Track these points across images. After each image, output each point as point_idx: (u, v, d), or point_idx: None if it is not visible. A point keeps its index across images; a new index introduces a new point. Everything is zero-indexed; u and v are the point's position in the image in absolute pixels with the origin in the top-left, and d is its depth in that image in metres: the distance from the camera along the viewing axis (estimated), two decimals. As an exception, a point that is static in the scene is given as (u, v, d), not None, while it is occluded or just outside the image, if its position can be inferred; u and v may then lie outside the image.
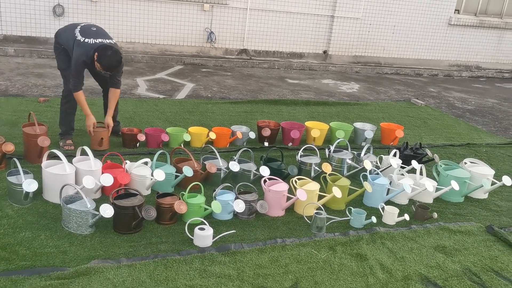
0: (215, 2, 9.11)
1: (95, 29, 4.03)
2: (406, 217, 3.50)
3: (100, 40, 3.92)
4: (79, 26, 4.01)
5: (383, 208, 3.59)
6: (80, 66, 3.92)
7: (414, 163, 4.04)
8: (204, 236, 2.95)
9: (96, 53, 3.81)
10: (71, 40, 3.93)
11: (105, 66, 3.83)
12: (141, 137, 4.23)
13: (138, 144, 4.23)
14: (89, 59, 3.87)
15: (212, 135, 4.54)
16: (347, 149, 4.47)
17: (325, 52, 10.32)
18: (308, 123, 5.12)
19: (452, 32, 11.25)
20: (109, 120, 4.25)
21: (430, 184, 3.73)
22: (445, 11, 10.97)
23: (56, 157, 3.40)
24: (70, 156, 3.70)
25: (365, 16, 10.32)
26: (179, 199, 3.25)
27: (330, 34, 10.14)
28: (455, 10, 11.17)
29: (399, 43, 10.90)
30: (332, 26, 10.08)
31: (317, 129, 4.88)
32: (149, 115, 5.41)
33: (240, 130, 4.77)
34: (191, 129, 4.64)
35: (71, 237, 2.89)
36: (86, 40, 3.88)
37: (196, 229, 2.97)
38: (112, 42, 4.00)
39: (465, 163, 4.37)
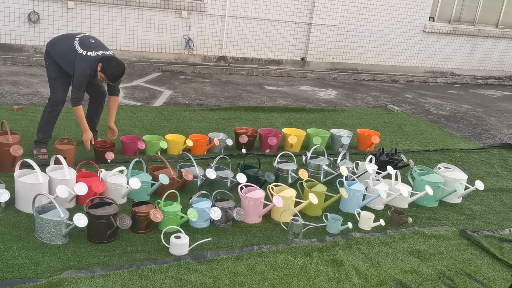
0: (193, 9, 9.11)
1: (93, 41, 4.06)
2: (382, 222, 3.54)
3: (101, 52, 3.97)
4: (77, 38, 4.01)
5: (359, 214, 3.63)
6: (85, 79, 3.96)
7: (390, 169, 4.10)
8: (180, 245, 2.94)
9: (100, 64, 3.89)
10: (70, 52, 3.93)
11: (110, 76, 3.92)
12: (110, 156, 4.08)
13: (109, 161, 4.13)
14: (93, 71, 3.93)
15: (189, 143, 4.53)
16: (323, 155, 4.51)
17: (303, 59, 10.40)
18: (285, 130, 5.14)
19: (427, 39, 11.46)
20: (112, 125, 4.39)
21: (405, 189, 3.78)
22: (419, 19, 11.17)
23: (29, 166, 3.34)
24: (44, 165, 3.65)
25: (342, 23, 10.45)
26: (155, 207, 3.23)
27: (308, 41, 10.23)
28: (430, 17, 11.39)
29: (376, 50, 11.05)
30: (309, 33, 10.17)
31: (294, 136, 4.91)
32: (126, 122, 5.36)
33: (217, 137, 4.77)
34: (168, 136, 4.62)
35: (44, 248, 2.84)
36: (89, 53, 3.92)
37: (172, 238, 2.95)
38: (111, 53, 4.05)
39: (439, 168, 4.45)
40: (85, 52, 3.92)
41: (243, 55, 9.88)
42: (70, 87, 4.07)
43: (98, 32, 8.48)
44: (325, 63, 10.55)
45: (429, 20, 11.37)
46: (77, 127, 4.97)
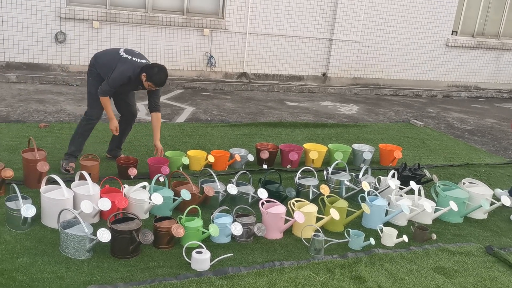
0: (215, 27, 9.25)
1: (137, 52, 4.27)
2: (405, 238, 3.49)
3: (145, 61, 4.17)
4: (122, 48, 4.22)
5: (381, 230, 3.58)
6: (122, 80, 4.06)
7: (413, 184, 4.04)
8: (202, 260, 2.95)
9: (144, 74, 4.03)
10: (114, 60, 4.10)
11: (156, 82, 4.05)
12: (133, 172, 4.09)
13: (132, 177, 4.14)
14: (134, 76, 4.06)
15: (211, 158, 4.56)
16: (345, 170, 4.48)
17: (324, 74, 10.41)
18: (306, 145, 5.14)
19: (450, 53, 11.35)
20: (158, 143, 4.43)
21: (428, 205, 3.72)
22: (442, 33, 11.09)
23: (55, 182, 3.42)
24: (69, 181, 3.72)
25: (363, 38, 10.44)
26: (177, 222, 3.25)
27: (329, 56, 10.25)
28: (453, 31, 11.30)
29: (398, 64, 10.99)
30: (330, 49, 10.19)
31: (315, 151, 4.90)
32: (149, 139, 5.43)
33: (238, 153, 4.79)
34: (189, 152, 4.67)
35: (68, 262, 2.89)
36: (134, 58, 4.11)
37: (194, 253, 2.97)
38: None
39: (464, 183, 4.37)
40: (130, 57, 4.11)
41: (264, 72, 9.95)
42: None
43: (122, 51, 8.67)
44: (346, 78, 10.53)
45: (452, 34, 11.28)
46: (101, 144, 5.07)
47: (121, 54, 4.13)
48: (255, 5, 9.46)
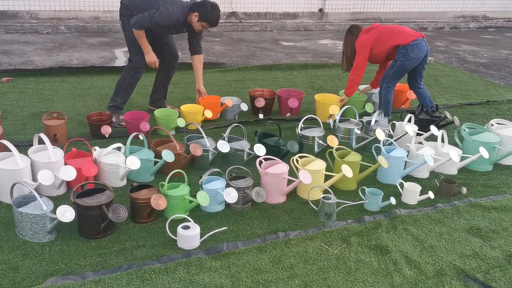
0: (199, -38, 8.35)
1: None
2: (431, 195, 2.96)
3: None
4: None
5: (401, 185, 3.04)
6: (168, 22, 3.58)
7: (433, 129, 3.47)
8: (189, 237, 2.42)
9: (195, 13, 3.59)
10: (154, 2, 3.58)
11: (212, 21, 3.65)
12: (106, 130, 3.54)
13: (107, 136, 3.57)
14: (183, 18, 3.63)
15: (208, 114, 3.83)
16: (354, 117, 3.88)
17: (320, 10, 9.62)
18: (318, 97, 4.39)
19: (456, -19, 10.48)
20: (201, 87, 4.11)
21: (455, 153, 3.16)
22: (447, -42, 10.18)
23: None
24: (28, 146, 3.11)
25: (362, -32, 9.56)
26: (157, 191, 2.69)
27: (326, -10, 9.41)
28: (458, -44, 10.38)
29: (400, -5, 10.16)
30: (327, -19, 9.33)
31: (335, 105, 4.13)
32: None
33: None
34: (182, 107, 3.95)
35: (25, 248, 2.36)
36: None
37: (179, 228, 2.43)
38: None
39: (492, 124, 3.80)
40: None
41: (255, 10, 9.15)
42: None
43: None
44: (345, 14, 9.75)
45: (457, -41, 10.36)
46: (73, 99, 4.44)
47: None
48: None
